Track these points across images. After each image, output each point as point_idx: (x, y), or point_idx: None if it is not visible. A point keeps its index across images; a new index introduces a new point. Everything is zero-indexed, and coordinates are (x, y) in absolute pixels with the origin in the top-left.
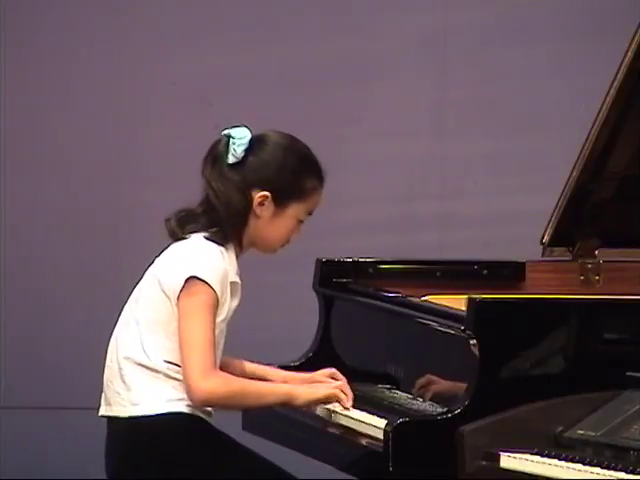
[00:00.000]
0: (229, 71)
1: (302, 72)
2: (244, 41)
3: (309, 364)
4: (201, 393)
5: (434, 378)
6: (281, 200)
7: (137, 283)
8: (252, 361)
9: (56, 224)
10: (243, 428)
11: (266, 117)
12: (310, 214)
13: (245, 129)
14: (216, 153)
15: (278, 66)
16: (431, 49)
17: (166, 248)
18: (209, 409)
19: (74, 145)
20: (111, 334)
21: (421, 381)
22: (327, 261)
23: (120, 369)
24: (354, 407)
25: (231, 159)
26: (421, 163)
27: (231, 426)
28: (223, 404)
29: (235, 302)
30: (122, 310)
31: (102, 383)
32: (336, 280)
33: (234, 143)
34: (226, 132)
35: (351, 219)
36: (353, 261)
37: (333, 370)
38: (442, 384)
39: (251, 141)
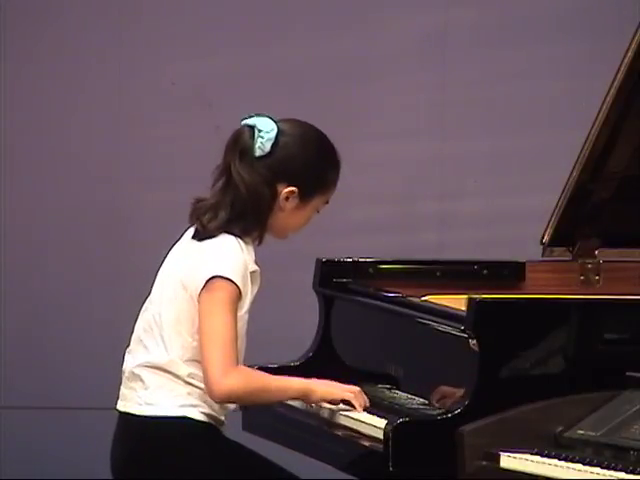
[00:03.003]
0: (229, 71)
1: (302, 72)
2: (244, 41)
3: (309, 364)
4: (221, 389)
5: (434, 378)
6: (306, 195)
7: (152, 283)
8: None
9: (56, 224)
10: (243, 428)
11: None
12: (327, 203)
13: (270, 121)
14: (243, 145)
15: (278, 66)
16: (431, 49)
17: (178, 240)
18: (222, 418)
19: (74, 145)
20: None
21: (421, 381)
22: (327, 261)
23: (138, 371)
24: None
25: (258, 152)
26: (421, 163)
27: (231, 426)
28: (243, 400)
29: (255, 289)
30: (139, 313)
31: (102, 383)
32: (336, 280)
33: (262, 137)
34: (249, 122)
35: (351, 219)
36: (353, 261)
37: None
38: (442, 384)
39: (277, 134)
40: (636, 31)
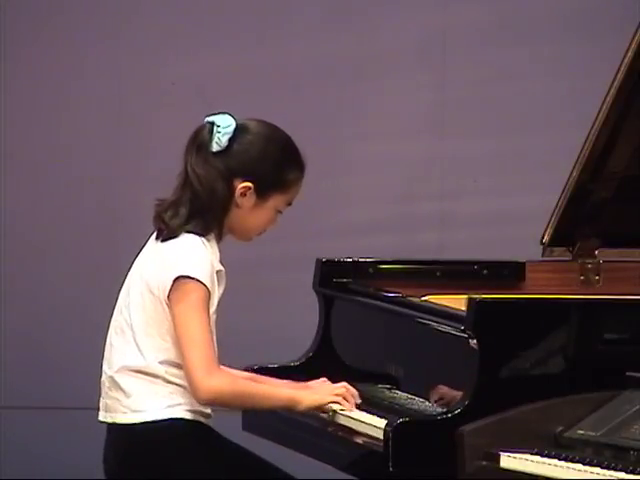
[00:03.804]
0: (229, 71)
1: (302, 72)
2: (244, 41)
3: (309, 364)
4: (207, 391)
5: (434, 378)
6: (263, 191)
7: (121, 287)
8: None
9: (56, 224)
10: (243, 428)
11: (266, 117)
12: (289, 204)
13: (229, 117)
14: (201, 140)
15: (278, 66)
16: (431, 49)
17: (144, 245)
18: (208, 411)
19: (74, 145)
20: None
21: (421, 381)
22: (327, 261)
23: (117, 378)
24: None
25: (215, 147)
26: (421, 163)
27: (231, 426)
28: (228, 403)
29: (221, 290)
30: (112, 316)
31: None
32: (336, 280)
33: (219, 132)
34: (210, 119)
35: (351, 219)
36: (353, 261)
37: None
38: (442, 384)
39: (235, 130)
40: (636, 31)
